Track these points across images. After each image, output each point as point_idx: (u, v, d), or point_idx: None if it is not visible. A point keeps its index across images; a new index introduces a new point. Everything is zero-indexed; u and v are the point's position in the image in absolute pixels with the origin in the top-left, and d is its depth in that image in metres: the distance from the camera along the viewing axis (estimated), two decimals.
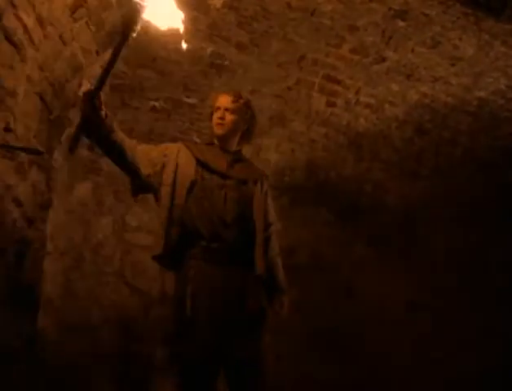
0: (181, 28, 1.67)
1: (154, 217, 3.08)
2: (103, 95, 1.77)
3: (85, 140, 2.36)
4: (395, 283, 3.39)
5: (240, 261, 1.95)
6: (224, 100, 2.07)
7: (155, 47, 2.56)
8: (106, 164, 2.98)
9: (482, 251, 3.58)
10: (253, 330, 1.90)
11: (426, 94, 2.86)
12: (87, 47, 2.14)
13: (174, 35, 1.68)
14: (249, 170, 2.11)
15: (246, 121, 2.09)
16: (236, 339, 1.86)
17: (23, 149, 1.88)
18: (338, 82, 2.86)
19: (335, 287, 3.36)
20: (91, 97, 1.72)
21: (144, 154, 1.98)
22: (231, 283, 1.90)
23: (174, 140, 2.97)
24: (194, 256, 1.92)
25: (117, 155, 1.93)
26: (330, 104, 2.97)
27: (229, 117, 2.04)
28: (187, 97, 2.88)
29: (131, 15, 1.57)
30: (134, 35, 1.61)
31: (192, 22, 2.54)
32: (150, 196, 3.06)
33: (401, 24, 2.41)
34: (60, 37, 1.88)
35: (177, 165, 1.97)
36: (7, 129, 1.77)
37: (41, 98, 2.01)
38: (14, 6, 1.63)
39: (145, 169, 1.96)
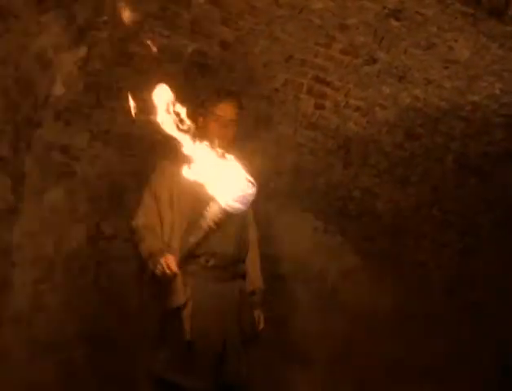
0: None
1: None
2: (76, 95, 1.63)
3: (57, 142, 2.21)
4: (384, 292, 3.31)
5: (236, 277, 1.93)
6: (229, 111, 1.94)
7: (132, 43, 2.41)
8: (80, 168, 2.81)
9: (472, 259, 3.51)
10: (244, 352, 1.89)
11: (418, 97, 2.79)
12: (58, 42, 1.98)
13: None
14: None
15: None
16: (230, 364, 1.84)
17: None
18: (327, 84, 2.79)
19: (322, 296, 3.26)
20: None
21: (156, 237, 1.95)
22: (228, 302, 1.88)
23: (153, 144, 2.89)
24: (191, 273, 1.88)
25: None
26: (319, 107, 2.90)
27: (233, 129, 1.95)
28: None
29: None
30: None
31: (172, 17, 2.44)
32: (127, 202, 2.95)
33: (395, 23, 2.32)
34: (25, 30, 1.71)
35: (173, 202, 1.93)
36: None
37: (5, 96, 1.84)
38: None
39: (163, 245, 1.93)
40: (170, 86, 2.70)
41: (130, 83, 2.66)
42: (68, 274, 2.77)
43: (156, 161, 2.17)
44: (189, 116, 1.80)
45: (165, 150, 2.92)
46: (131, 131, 2.85)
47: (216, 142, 1.83)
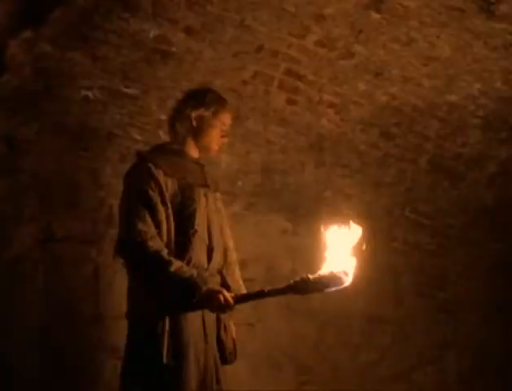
0: None
1: (88, 224, 2.78)
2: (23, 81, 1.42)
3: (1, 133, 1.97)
4: (355, 295, 3.21)
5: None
6: (230, 120, 1.95)
7: (86, 26, 2.21)
8: (29, 163, 2.55)
9: (443, 260, 3.50)
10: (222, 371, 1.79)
11: (395, 95, 2.71)
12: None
13: None
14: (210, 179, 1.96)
15: None
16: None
17: None
18: (300, 78, 2.67)
19: (291, 301, 3.14)
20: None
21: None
22: (209, 317, 1.74)
23: (109, 137, 2.67)
24: None
25: None
26: (290, 102, 2.78)
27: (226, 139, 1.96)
28: (127, 87, 2.57)
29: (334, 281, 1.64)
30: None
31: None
32: (81, 201, 2.72)
33: (375, 15, 2.22)
34: None
35: (166, 204, 1.76)
36: None
37: None
38: None
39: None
40: (129, 75, 2.55)
41: (85, 70, 2.47)
42: (12, 281, 2.52)
43: (136, 163, 1.92)
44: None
45: (122, 143, 2.80)
46: (86, 122, 2.65)
47: (214, 147, 1.89)
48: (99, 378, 2.56)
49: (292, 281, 1.67)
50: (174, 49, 2.45)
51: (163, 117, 2.58)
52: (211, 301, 1.62)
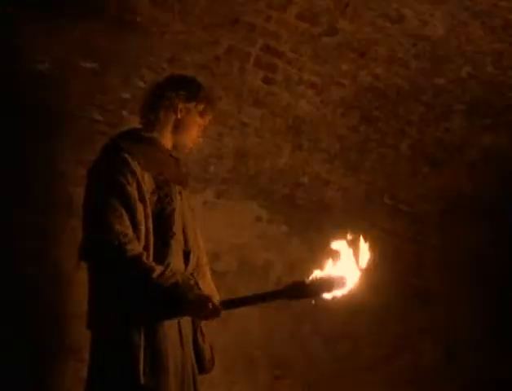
0: None
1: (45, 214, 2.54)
2: None
3: None
4: None
5: None
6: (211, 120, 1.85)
7: None
8: None
9: (420, 247, 3.45)
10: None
11: (379, 76, 2.61)
12: None
13: None
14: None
15: None
16: None
17: None
18: (279, 55, 2.56)
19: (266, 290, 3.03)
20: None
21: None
22: (186, 324, 1.64)
23: (70, 116, 2.43)
24: None
25: None
26: (267, 81, 2.67)
27: None
28: (84, 60, 2.37)
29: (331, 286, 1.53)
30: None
31: None
32: (37, 189, 2.46)
33: None
34: None
35: (144, 200, 1.59)
36: None
37: None
38: None
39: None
40: (88, 48, 2.33)
41: (39, 42, 2.26)
42: None
43: (107, 150, 1.71)
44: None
45: (81, 124, 2.56)
46: (41, 101, 2.41)
47: (190, 144, 1.79)
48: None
49: (286, 285, 1.56)
50: (138, 19, 2.29)
51: (126, 95, 2.44)
52: (198, 309, 1.49)
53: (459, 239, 3.47)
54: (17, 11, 2.18)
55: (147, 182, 1.58)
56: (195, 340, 1.67)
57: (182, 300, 1.45)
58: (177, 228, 1.62)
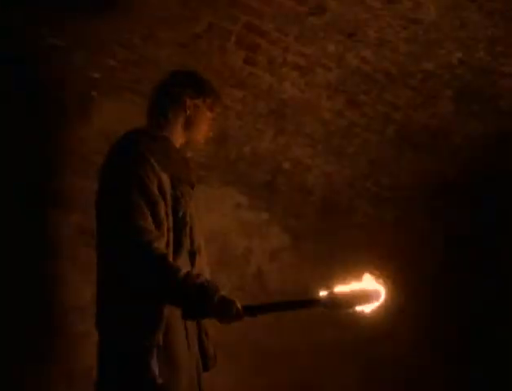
0: None
1: None
2: None
3: None
4: (314, 273, 3.10)
5: None
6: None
7: None
8: None
9: (404, 233, 3.40)
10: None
11: (367, 59, 2.48)
12: None
13: None
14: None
15: None
16: None
17: None
18: (262, 34, 2.40)
19: (246, 281, 2.95)
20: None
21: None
22: (191, 325, 1.61)
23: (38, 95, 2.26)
24: None
25: None
26: (249, 62, 2.53)
27: None
28: (54, 36, 2.18)
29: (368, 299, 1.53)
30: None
31: None
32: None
33: None
34: None
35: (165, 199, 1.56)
36: None
37: None
38: None
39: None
40: (56, 24, 2.14)
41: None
42: None
43: (125, 144, 1.61)
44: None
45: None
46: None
47: (202, 138, 1.76)
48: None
49: (319, 296, 1.51)
50: None
51: (96, 75, 2.29)
52: (223, 312, 1.44)
53: (441, 226, 3.45)
54: None
55: (165, 181, 1.54)
56: (200, 340, 1.65)
57: (208, 301, 1.41)
58: (187, 229, 1.59)
